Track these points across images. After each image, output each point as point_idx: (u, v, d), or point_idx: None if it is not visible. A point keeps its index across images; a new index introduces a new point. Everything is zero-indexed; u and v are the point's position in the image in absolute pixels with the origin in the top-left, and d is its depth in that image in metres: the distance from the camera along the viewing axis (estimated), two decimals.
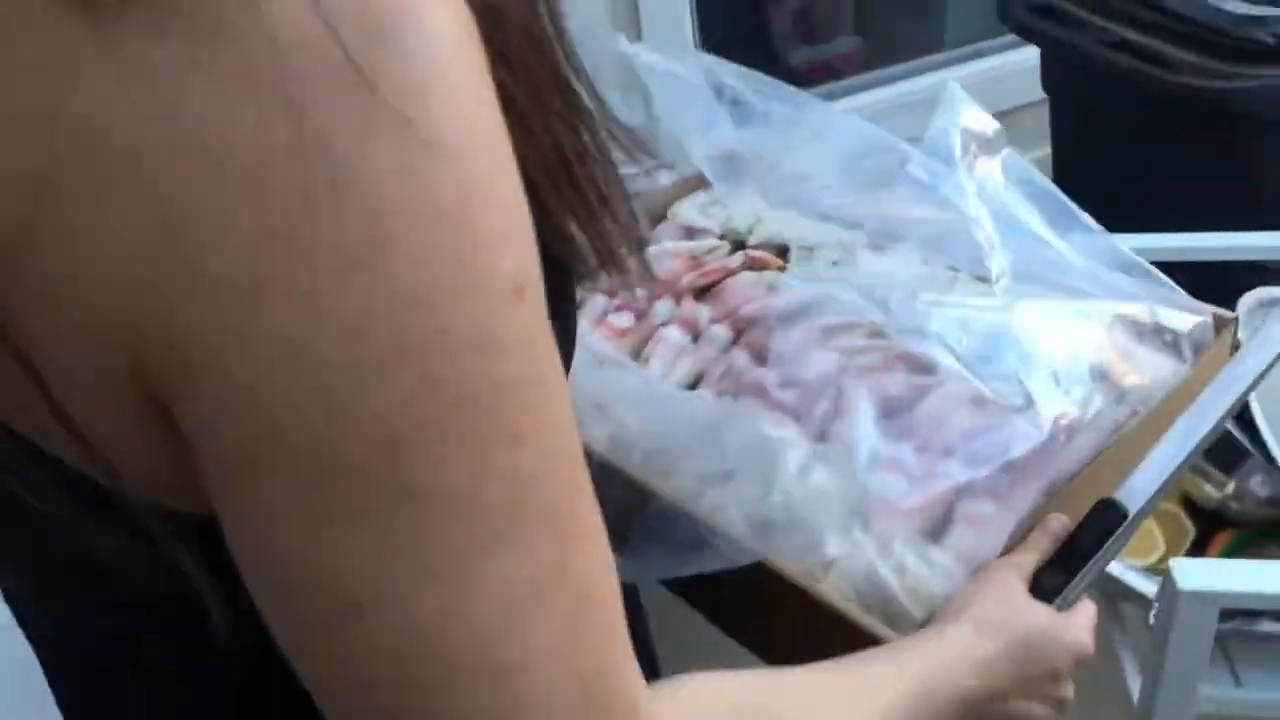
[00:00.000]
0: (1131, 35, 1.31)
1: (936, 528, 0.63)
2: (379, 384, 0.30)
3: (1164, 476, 0.62)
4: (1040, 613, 0.58)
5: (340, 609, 0.32)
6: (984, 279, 0.72)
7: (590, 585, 0.35)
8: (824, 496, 0.61)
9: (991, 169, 0.76)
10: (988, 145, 0.76)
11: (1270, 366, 0.66)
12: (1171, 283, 0.76)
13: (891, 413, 0.67)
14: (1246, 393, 0.65)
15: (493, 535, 0.32)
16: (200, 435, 0.31)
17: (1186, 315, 0.73)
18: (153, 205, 0.28)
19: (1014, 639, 0.56)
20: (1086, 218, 0.77)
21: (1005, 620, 0.57)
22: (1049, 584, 0.59)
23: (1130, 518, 0.60)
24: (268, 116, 0.28)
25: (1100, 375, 0.68)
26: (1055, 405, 0.65)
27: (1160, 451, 0.63)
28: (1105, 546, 0.60)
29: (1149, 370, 0.70)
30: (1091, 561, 0.60)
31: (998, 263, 0.71)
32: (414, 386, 0.30)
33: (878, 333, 0.72)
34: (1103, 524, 0.61)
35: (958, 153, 0.73)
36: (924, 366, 0.70)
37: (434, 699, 0.33)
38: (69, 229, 0.29)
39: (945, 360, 0.68)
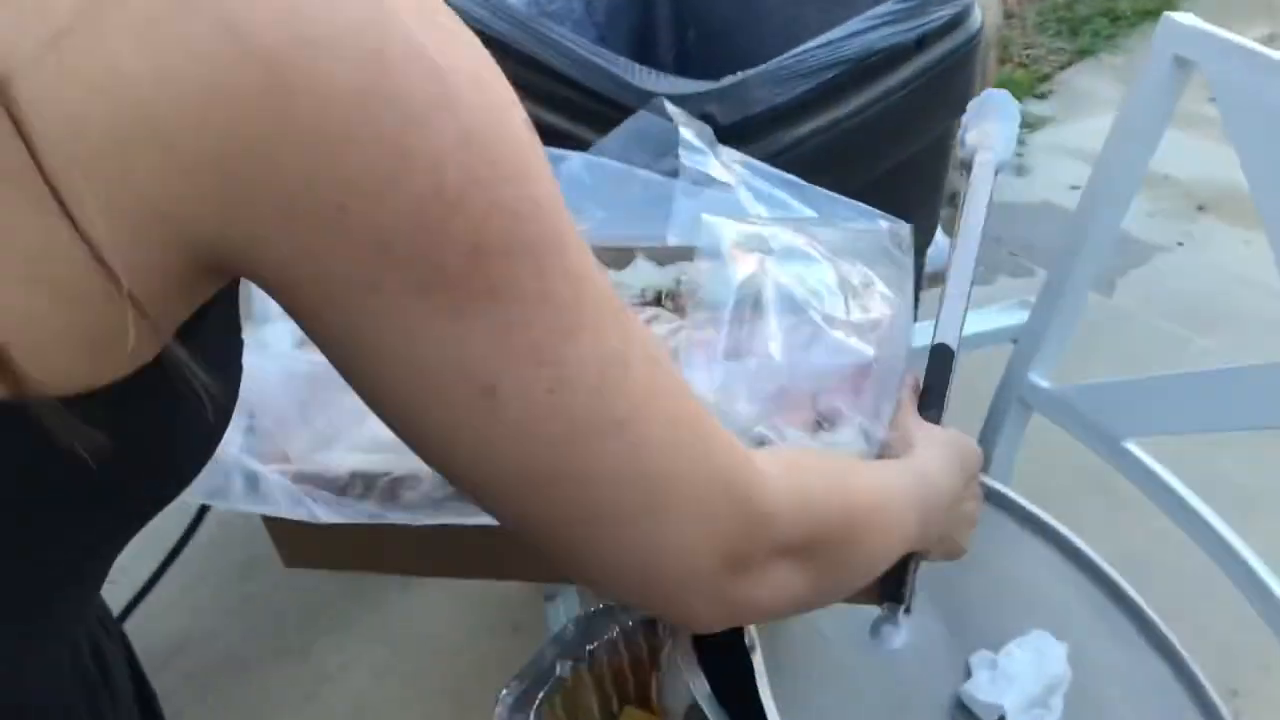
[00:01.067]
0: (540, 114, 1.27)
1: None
2: (459, 206, 0.38)
3: (961, 310, 0.81)
4: (947, 430, 0.76)
5: (475, 392, 0.41)
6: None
7: (654, 351, 0.46)
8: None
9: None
10: (711, 145, 0.99)
11: (988, 209, 0.86)
12: (857, 202, 0.96)
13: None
14: (978, 228, 0.85)
15: (570, 322, 0.42)
16: (300, 268, 0.38)
17: (883, 223, 0.92)
18: (256, 61, 0.34)
19: (953, 446, 0.73)
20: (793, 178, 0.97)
21: (941, 437, 0.74)
22: (930, 419, 0.77)
23: (956, 351, 0.80)
24: None
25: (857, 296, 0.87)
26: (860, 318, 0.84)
27: (950, 296, 0.82)
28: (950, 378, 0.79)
29: (895, 278, 0.89)
30: (949, 392, 0.79)
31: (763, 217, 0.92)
32: (484, 206, 0.39)
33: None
34: (942, 363, 0.79)
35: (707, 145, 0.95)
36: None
37: (568, 458, 0.43)
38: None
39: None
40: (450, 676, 1.73)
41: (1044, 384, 1.21)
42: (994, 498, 1.18)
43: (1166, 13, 1.02)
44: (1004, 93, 0.94)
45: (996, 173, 0.88)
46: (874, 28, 1.20)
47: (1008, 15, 3.47)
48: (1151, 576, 1.23)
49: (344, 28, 0.36)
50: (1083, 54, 3.43)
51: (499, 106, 0.40)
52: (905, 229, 0.89)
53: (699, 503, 0.47)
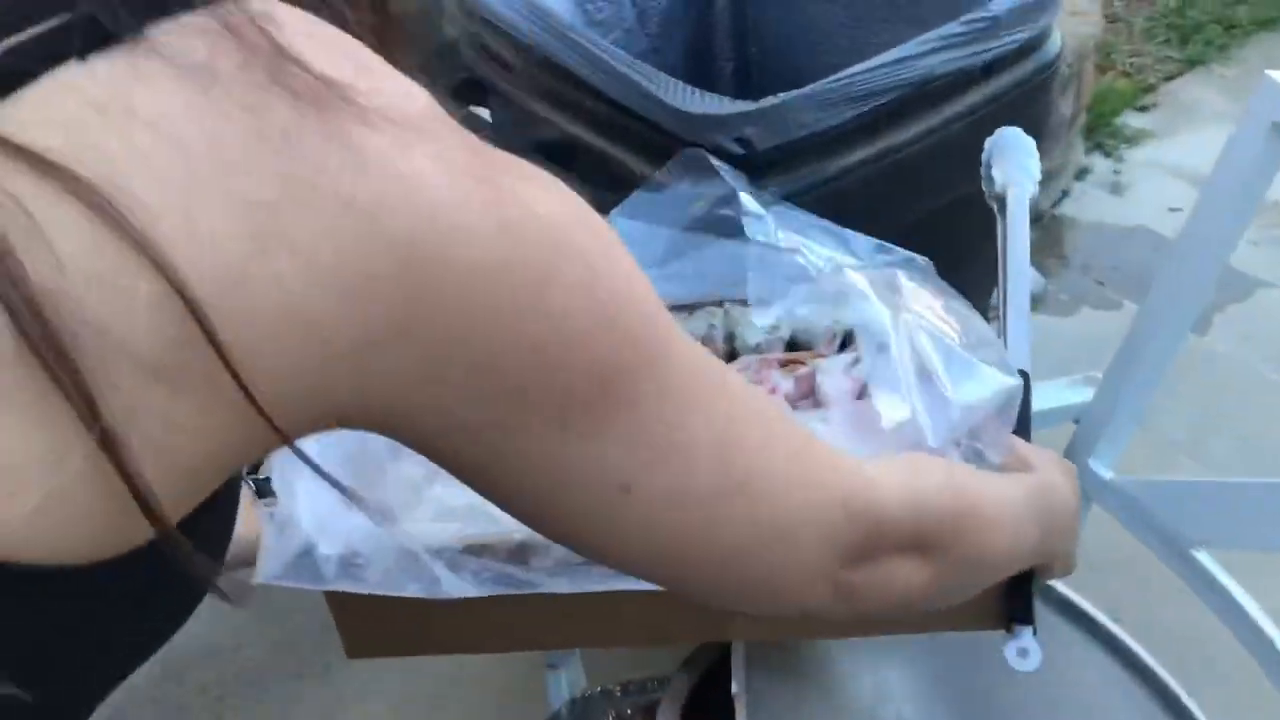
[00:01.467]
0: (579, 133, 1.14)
1: None
2: (586, 344, 0.41)
3: (1027, 334, 0.85)
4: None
5: (612, 492, 0.44)
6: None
7: (756, 398, 0.50)
8: None
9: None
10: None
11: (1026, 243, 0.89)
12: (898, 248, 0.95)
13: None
14: (1025, 258, 0.89)
15: (687, 407, 0.45)
16: (437, 422, 0.41)
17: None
18: (392, 254, 0.36)
19: (1065, 464, 0.74)
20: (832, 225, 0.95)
21: (1052, 455, 0.75)
22: None
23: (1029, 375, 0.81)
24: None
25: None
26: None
27: (1013, 321, 0.86)
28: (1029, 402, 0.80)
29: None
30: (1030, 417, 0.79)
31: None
32: (607, 338, 0.41)
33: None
34: (1022, 388, 0.79)
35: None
36: None
37: (698, 523, 0.47)
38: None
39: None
40: (466, 706, 1.67)
41: (1106, 474, 1.06)
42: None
43: (1268, 72, 0.87)
44: (1017, 130, 0.98)
45: (1040, 214, 0.98)
46: (935, 51, 1.07)
47: (1111, 20, 3.27)
48: (1215, 660, 1.10)
49: (465, 206, 0.37)
50: (1192, 64, 3.22)
51: (603, 238, 0.42)
52: (927, 264, 0.93)
53: (819, 524, 0.51)
